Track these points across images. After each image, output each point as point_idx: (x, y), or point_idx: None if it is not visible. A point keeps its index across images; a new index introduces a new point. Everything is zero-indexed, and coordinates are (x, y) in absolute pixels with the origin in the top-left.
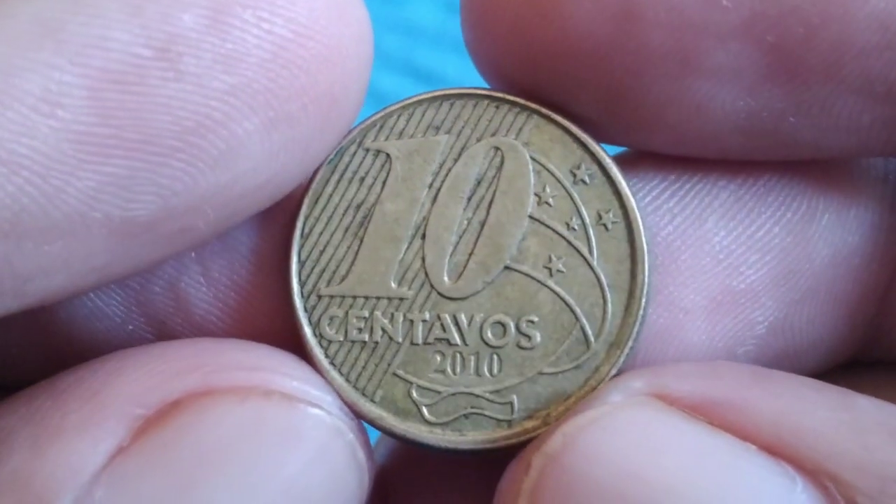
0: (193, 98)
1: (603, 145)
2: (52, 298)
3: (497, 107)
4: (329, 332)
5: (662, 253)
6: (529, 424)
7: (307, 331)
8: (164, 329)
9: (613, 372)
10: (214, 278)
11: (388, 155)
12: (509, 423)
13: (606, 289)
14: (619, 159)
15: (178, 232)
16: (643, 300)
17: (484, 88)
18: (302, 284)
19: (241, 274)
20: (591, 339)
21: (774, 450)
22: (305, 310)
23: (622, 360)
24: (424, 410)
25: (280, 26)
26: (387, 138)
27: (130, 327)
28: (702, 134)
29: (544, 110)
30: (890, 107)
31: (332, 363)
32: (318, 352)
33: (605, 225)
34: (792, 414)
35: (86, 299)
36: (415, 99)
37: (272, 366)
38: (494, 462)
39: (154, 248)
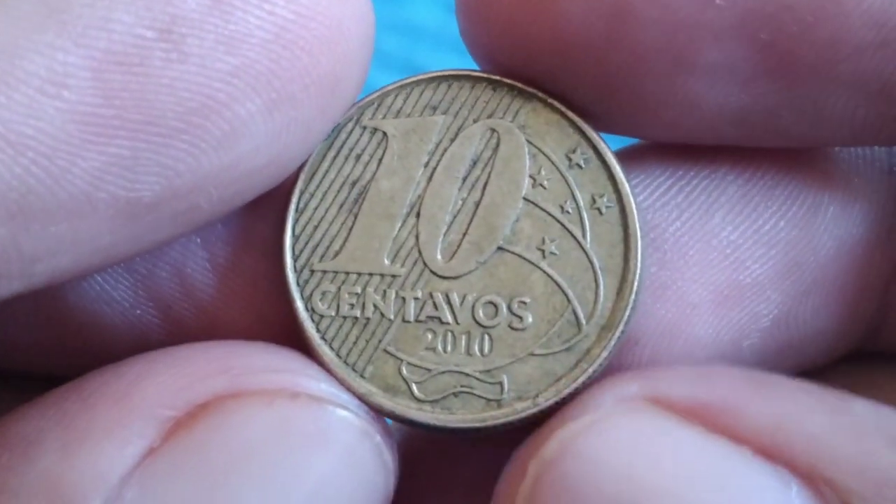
0: (196, 79)
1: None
2: (58, 279)
3: (494, 89)
4: (321, 307)
5: (671, 248)
6: (519, 405)
7: (299, 305)
8: (170, 313)
9: (604, 355)
10: (219, 264)
11: (384, 133)
12: (499, 402)
13: (599, 272)
14: (624, 154)
15: (183, 212)
16: (635, 284)
17: (482, 71)
18: (295, 259)
19: (245, 260)
20: (583, 321)
21: (770, 453)
22: (298, 284)
23: (613, 343)
24: (414, 387)
25: (281, 7)
26: (384, 117)
27: (138, 311)
28: (696, 127)
29: (541, 94)
30: (884, 103)
31: (323, 338)
32: (308, 326)
33: (598, 209)
34: (787, 417)
35: (94, 283)
36: (413, 79)
37: (299, 368)
38: (487, 446)
39: (159, 229)
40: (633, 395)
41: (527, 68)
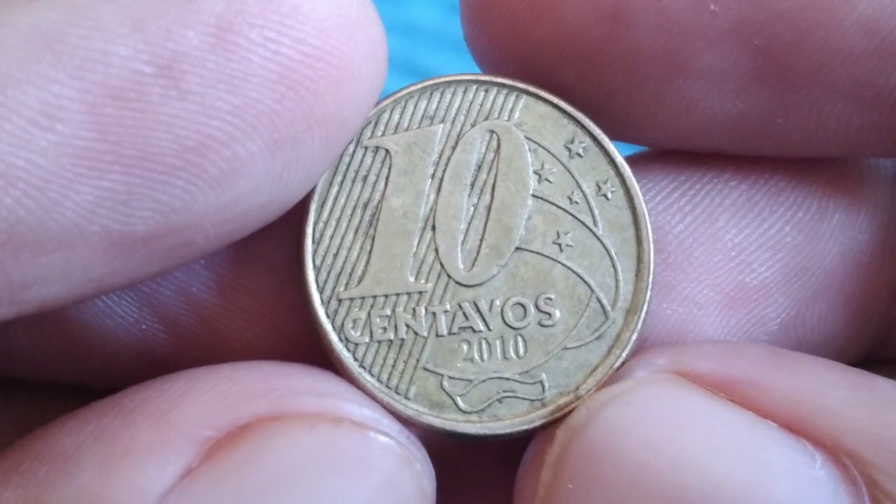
0: (195, 117)
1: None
2: (50, 305)
3: (486, 90)
4: (354, 334)
5: (675, 250)
6: (562, 401)
7: (333, 337)
8: (177, 329)
9: (634, 337)
10: (225, 284)
11: (387, 150)
12: (542, 401)
13: (615, 258)
14: (629, 160)
15: (177, 247)
16: (651, 265)
17: (471, 73)
18: (321, 291)
19: (249, 278)
20: (608, 308)
21: (794, 427)
22: (328, 315)
23: (639, 325)
24: (459, 401)
25: (287, 46)
26: (383, 133)
27: (143, 326)
28: (692, 131)
29: (532, 89)
30: (878, 111)
31: (361, 366)
32: (345, 356)
33: (605, 195)
34: (811, 392)
35: (98, 300)
36: (405, 91)
37: (341, 392)
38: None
39: (153, 262)
40: (661, 367)
41: (527, 71)
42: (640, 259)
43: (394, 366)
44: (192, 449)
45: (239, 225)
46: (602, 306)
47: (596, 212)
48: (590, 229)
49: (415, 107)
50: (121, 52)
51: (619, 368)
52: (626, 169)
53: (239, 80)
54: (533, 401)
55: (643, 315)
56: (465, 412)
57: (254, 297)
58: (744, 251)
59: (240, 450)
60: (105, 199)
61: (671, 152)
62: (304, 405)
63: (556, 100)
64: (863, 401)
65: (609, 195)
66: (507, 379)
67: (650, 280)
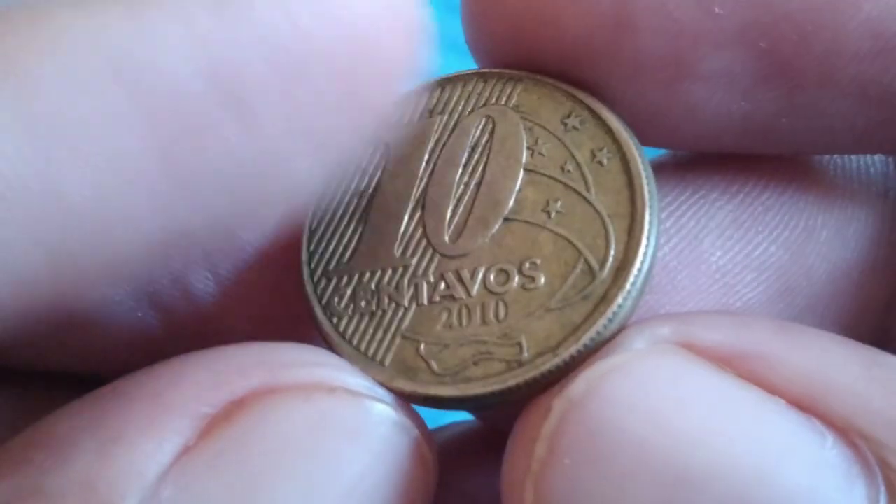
0: (257, 143)
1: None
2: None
3: (486, 81)
4: (338, 308)
5: (659, 273)
6: (539, 361)
7: (317, 309)
8: (173, 318)
9: (622, 295)
10: (221, 276)
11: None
12: (519, 362)
13: (607, 219)
14: None
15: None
16: (646, 223)
17: (473, 70)
18: (311, 270)
19: (248, 270)
20: (596, 268)
21: (803, 405)
22: (315, 292)
23: (630, 283)
24: (433, 364)
25: (350, 70)
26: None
27: (140, 314)
28: (697, 134)
29: (531, 75)
30: (884, 110)
31: (341, 335)
32: (326, 325)
33: (600, 161)
34: (822, 369)
35: None
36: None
37: (334, 363)
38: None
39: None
40: (665, 338)
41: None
42: (633, 218)
43: (373, 335)
44: (188, 427)
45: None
46: (590, 267)
47: (590, 178)
48: (581, 195)
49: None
50: (190, 85)
51: (605, 328)
52: (623, 135)
53: (302, 103)
54: (510, 362)
55: (635, 272)
56: (438, 375)
57: (250, 288)
58: (728, 273)
59: (236, 425)
60: (158, 215)
61: (657, 170)
62: (298, 377)
63: (554, 81)
64: (876, 379)
65: (604, 161)
66: (485, 342)
67: (645, 238)
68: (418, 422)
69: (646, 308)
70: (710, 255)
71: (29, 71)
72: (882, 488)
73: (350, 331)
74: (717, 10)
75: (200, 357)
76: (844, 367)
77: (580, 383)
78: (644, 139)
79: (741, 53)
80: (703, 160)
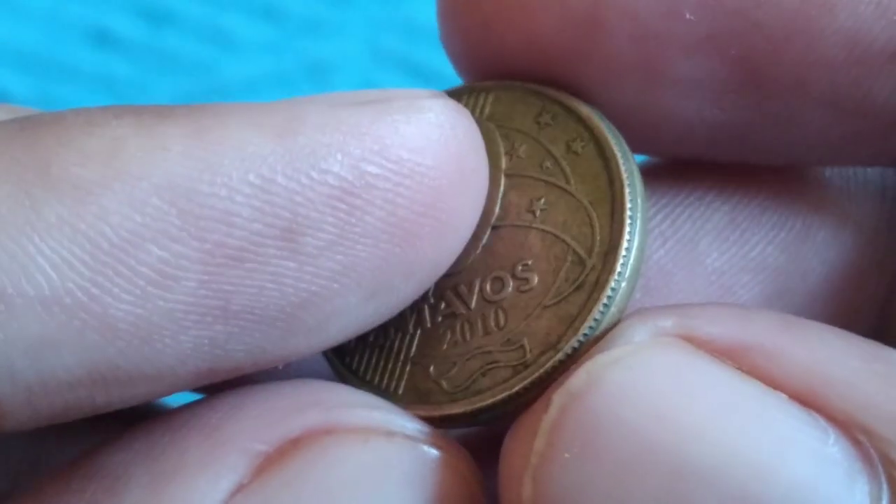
0: (304, 277)
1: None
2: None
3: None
4: (349, 346)
5: (655, 275)
6: (543, 359)
7: (329, 352)
8: None
9: (613, 278)
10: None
11: None
12: (525, 364)
13: (589, 206)
14: None
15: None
16: (626, 202)
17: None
18: None
19: None
20: (585, 257)
21: (806, 400)
22: None
23: (619, 265)
24: (444, 383)
25: (403, 207)
26: None
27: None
28: (669, 140)
29: (500, 82)
30: (859, 120)
31: (353, 373)
32: (337, 364)
33: (575, 152)
34: (824, 363)
35: None
36: None
37: (389, 407)
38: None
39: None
40: (666, 330)
41: (503, 77)
42: (613, 200)
43: (384, 366)
44: (243, 464)
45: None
46: (579, 256)
47: (567, 170)
48: (562, 188)
49: None
50: (244, 214)
51: (602, 315)
52: (595, 121)
53: (352, 240)
54: (516, 366)
55: (623, 252)
56: (449, 393)
57: None
58: (724, 274)
59: (292, 464)
60: (203, 345)
61: (653, 174)
62: (356, 418)
63: (522, 83)
64: (879, 373)
65: (579, 150)
66: (490, 352)
67: (628, 218)
68: (475, 468)
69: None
70: (706, 256)
71: (87, 186)
72: (885, 485)
73: (362, 367)
74: (687, 15)
75: (256, 393)
76: (847, 362)
77: (581, 376)
78: None
79: (712, 60)
80: (698, 162)
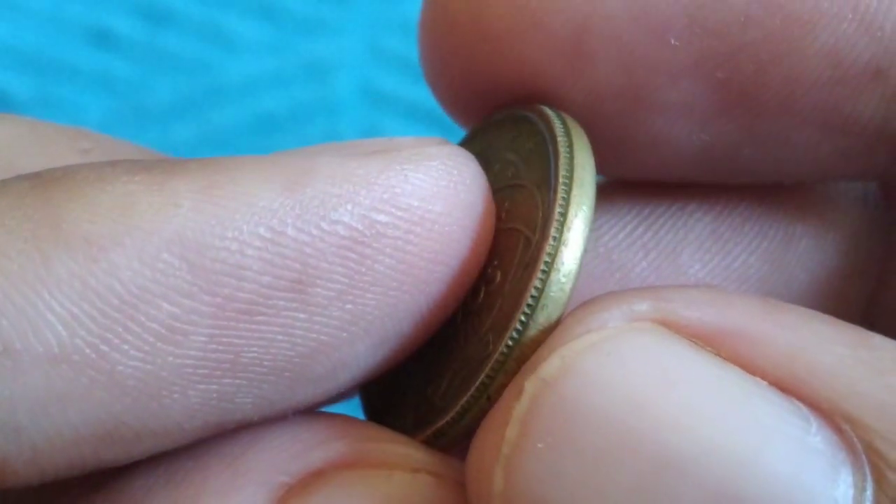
0: (313, 327)
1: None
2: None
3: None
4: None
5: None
6: (501, 344)
7: None
8: None
9: (549, 242)
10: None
11: None
12: (488, 356)
13: (535, 190)
14: None
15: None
16: (561, 172)
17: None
18: None
19: None
20: (531, 236)
21: (787, 387)
22: None
23: (554, 227)
24: (437, 400)
25: (414, 255)
26: None
27: None
28: (659, 164)
29: (477, 126)
30: (846, 137)
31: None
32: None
33: (529, 148)
34: (806, 349)
35: None
36: None
37: (411, 442)
38: None
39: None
40: (642, 314)
41: (488, 107)
42: (555, 177)
43: (392, 403)
44: (264, 495)
45: (324, 401)
46: (528, 239)
47: (522, 166)
48: (519, 184)
49: None
50: (254, 267)
51: (541, 281)
52: (546, 112)
53: (360, 290)
54: (482, 361)
55: (558, 216)
56: (441, 408)
57: None
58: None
59: (315, 497)
60: (211, 399)
61: (634, 185)
62: (379, 452)
63: (501, 116)
64: (863, 360)
65: (534, 146)
66: (469, 357)
67: (563, 183)
68: None
69: None
70: (688, 267)
71: (98, 241)
72: (869, 476)
73: (372, 408)
74: (672, 41)
75: (280, 424)
76: (830, 347)
77: (553, 362)
78: (605, 169)
79: (698, 84)
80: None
